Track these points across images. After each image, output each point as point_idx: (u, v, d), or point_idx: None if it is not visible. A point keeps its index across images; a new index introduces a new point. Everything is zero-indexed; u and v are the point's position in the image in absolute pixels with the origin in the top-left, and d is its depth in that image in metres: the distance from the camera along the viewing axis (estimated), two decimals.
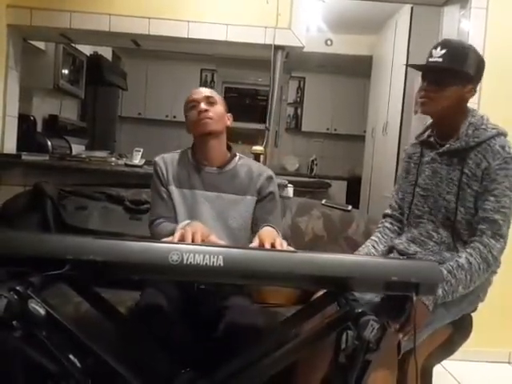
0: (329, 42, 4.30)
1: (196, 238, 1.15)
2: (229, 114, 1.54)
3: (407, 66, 1.44)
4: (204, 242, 1.15)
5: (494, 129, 1.30)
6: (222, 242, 1.21)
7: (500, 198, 1.26)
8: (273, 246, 1.17)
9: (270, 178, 1.52)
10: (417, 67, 1.39)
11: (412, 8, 3.09)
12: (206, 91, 1.50)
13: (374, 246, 1.46)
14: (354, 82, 5.14)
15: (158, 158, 1.53)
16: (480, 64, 1.33)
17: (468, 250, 1.27)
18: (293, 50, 2.49)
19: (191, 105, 1.47)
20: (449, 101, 1.30)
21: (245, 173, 1.51)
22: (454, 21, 2.44)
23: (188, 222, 1.31)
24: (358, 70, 4.67)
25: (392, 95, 3.46)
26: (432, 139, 1.41)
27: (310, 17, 2.90)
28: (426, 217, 1.38)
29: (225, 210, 1.46)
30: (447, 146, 1.34)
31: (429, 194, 1.38)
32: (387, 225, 1.52)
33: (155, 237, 1.42)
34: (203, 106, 1.45)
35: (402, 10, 3.32)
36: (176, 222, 1.43)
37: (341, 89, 5.27)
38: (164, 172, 1.49)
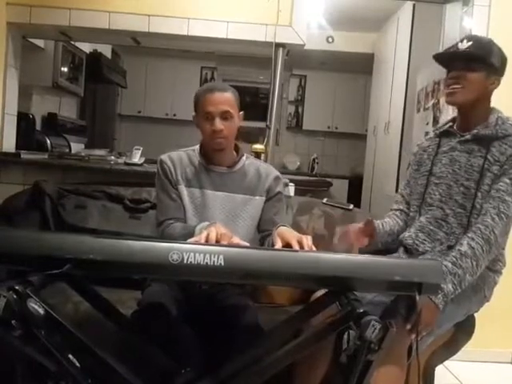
0: (330, 40, 4.28)
1: (223, 239, 1.12)
2: (241, 113, 1.46)
3: (435, 56, 1.42)
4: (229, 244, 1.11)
5: None
6: (246, 244, 1.16)
7: None
8: (300, 244, 1.15)
9: (277, 179, 1.52)
10: (445, 56, 1.40)
11: (414, 5, 3.08)
12: (223, 104, 1.37)
13: (382, 224, 1.47)
14: (356, 80, 5.13)
15: (164, 157, 1.48)
16: (503, 57, 1.37)
17: (469, 235, 1.27)
18: (294, 47, 2.48)
19: (206, 116, 1.38)
20: (476, 90, 1.33)
21: (253, 173, 1.50)
22: (456, 18, 2.43)
23: (207, 223, 1.27)
24: (359, 68, 4.65)
25: (394, 93, 3.45)
26: (452, 129, 1.43)
27: (310, 14, 2.88)
28: (436, 204, 1.38)
29: (234, 210, 1.45)
30: (475, 131, 1.35)
31: (442, 181, 1.39)
32: (396, 213, 1.53)
33: (166, 238, 1.36)
34: (218, 124, 1.37)
35: (403, 8, 3.31)
36: (185, 222, 1.41)
37: (342, 87, 5.26)
38: (172, 171, 1.45)
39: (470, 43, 1.33)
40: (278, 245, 1.17)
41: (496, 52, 1.35)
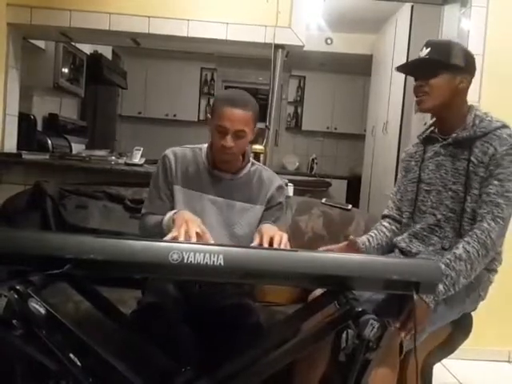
0: (329, 41, 4.30)
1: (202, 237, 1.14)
2: (256, 127, 1.42)
3: (398, 68, 1.44)
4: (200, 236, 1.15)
5: (498, 121, 1.33)
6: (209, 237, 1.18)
7: (504, 183, 1.26)
8: (271, 240, 1.16)
9: (280, 188, 1.49)
10: (406, 67, 1.41)
11: (412, 7, 3.09)
12: (240, 122, 1.32)
13: (368, 240, 1.47)
14: (355, 81, 5.14)
15: (168, 152, 1.45)
16: (467, 56, 1.35)
17: (466, 239, 1.27)
18: (293, 48, 2.49)
19: (219, 129, 1.34)
20: (443, 93, 1.32)
21: (256, 181, 1.47)
22: (454, 19, 2.44)
23: (174, 212, 1.29)
24: (358, 69, 4.66)
25: (392, 94, 3.46)
26: (435, 134, 1.43)
27: (310, 15, 2.89)
28: (429, 211, 1.39)
29: (233, 218, 1.43)
30: (454, 135, 1.35)
31: (432, 188, 1.39)
32: (385, 223, 1.53)
33: (142, 229, 1.43)
34: (229, 142, 1.33)
35: (402, 9, 3.32)
36: None
37: (341, 87, 5.27)
38: (173, 168, 1.43)
39: (429, 49, 1.32)
40: (256, 241, 1.19)
41: (457, 52, 1.33)
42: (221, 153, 1.38)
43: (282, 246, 1.16)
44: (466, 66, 1.34)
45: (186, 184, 1.43)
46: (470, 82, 1.35)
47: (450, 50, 1.32)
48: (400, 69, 1.43)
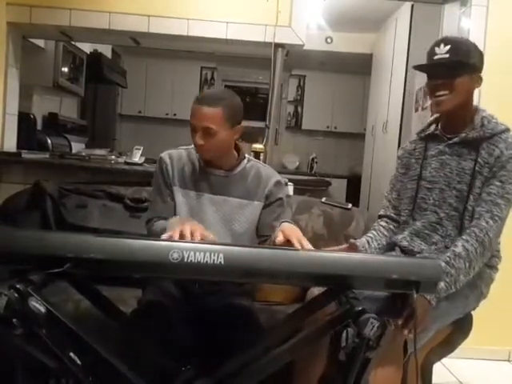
0: (329, 40, 4.29)
1: (195, 236, 1.12)
2: (239, 126, 1.38)
3: (415, 67, 1.42)
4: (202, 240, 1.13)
5: (502, 124, 1.36)
6: (215, 239, 1.16)
7: (506, 185, 1.28)
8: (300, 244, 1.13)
9: (278, 183, 1.47)
10: (425, 67, 1.39)
11: (412, 6, 3.09)
12: (205, 120, 1.31)
13: (368, 242, 1.47)
14: (355, 80, 5.14)
15: (163, 155, 1.46)
16: (481, 54, 1.37)
17: (464, 237, 1.28)
18: (293, 47, 2.49)
19: (190, 127, 1.35)
20: (463, 94, 1.33)
21: (253, 176, 1.46)
22: (455, 18, 2.44)
23: (178, 217, 1.29)
24: (358, 68, 4.66)
25: (392, 93, 3.46)
26: (438, 132, 1.42)
27: (310, 15, 2.90)
28: (430, 208, 1.39)
29: (231, 215, 1.42)
30: (463, 135, 1.35)
31: (435, 186, 1.39)
32: (382, 223, 1.52)
33: (150, 235, 1.40)
34: (198, 139, 1.32)
35: (402, 8, 3.32)
36: None
37: (341, 87, 5.26)
38: (170, 170, 1.43)
39: (448, 47, 1.30)
40: (279, 239, 1.15)
41: (474, 51, 1.34)
42: (197, 151, 1.40)
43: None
44: (480, 65, 1.35)
45: (184, 184, 1.44)
46: (482, 81, 1.36)
47: (469, 50, 1.33)
48: (418, 67, 1.41)
